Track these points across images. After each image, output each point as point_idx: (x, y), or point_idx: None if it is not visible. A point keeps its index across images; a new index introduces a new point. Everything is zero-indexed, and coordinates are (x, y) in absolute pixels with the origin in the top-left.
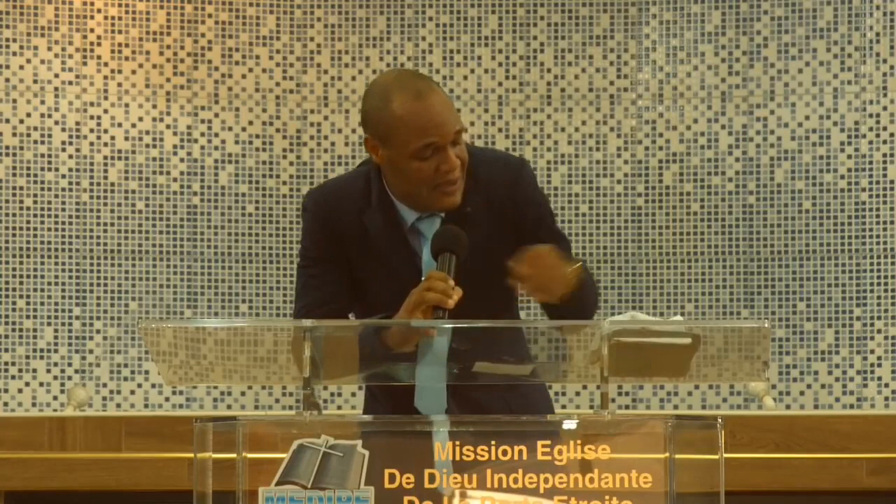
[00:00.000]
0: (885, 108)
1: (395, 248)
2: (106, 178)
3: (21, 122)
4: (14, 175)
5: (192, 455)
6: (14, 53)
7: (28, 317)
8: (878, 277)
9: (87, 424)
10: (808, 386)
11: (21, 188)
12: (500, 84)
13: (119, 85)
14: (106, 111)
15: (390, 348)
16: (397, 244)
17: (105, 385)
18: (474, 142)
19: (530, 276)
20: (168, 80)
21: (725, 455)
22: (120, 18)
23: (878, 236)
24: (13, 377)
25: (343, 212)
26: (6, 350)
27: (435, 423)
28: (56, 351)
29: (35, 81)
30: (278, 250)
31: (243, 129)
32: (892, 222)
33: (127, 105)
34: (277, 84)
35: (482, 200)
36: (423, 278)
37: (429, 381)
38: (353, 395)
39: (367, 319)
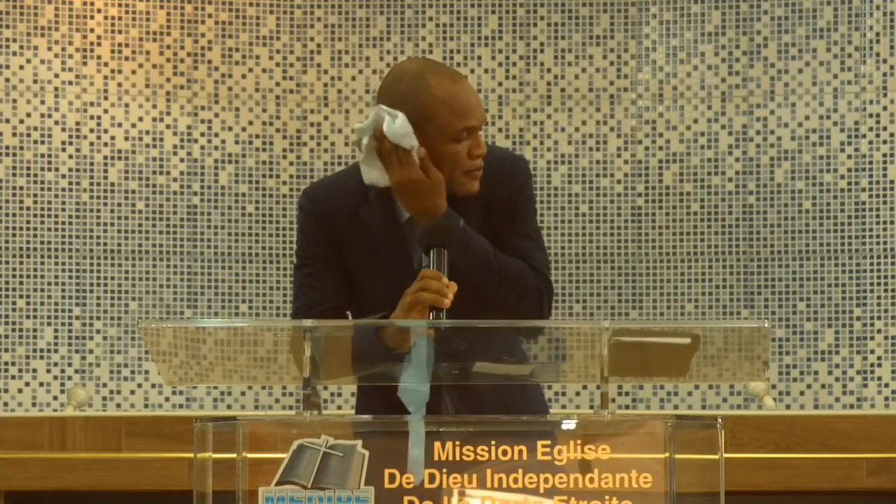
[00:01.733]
0: (885, 108)
1: (392, 242)
2: (106, 178)
3: (21, 122)
4: (14, 175)
5: (192, 455)
6: (14, 53)
7: (28, 317)
8: (878, 277)
9: (87, 424)
10: (808, 386)
11: (21, 188)
12: (500, 84)
13: (119, 85)
14: (106, 111)
15: (389, 348)
16: (394, 238)
17: (105, 385)
18: None
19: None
20: (168, 80)
21: (725, 455)
22: (120, 18)
23: (878, 236)
24: (13, 377)
25: (338, 208)
26: (6, 350)
27: (436, 424)
28: (56, 351)
29: (35, 81)
30: (278, 250)
31: (243, 129)
32: (892, 222)
33: (127, 105)
34: (277, 84)
35: (478, 193)
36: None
37: (411, 381)
38: (353, 395)
39: (365, 319)
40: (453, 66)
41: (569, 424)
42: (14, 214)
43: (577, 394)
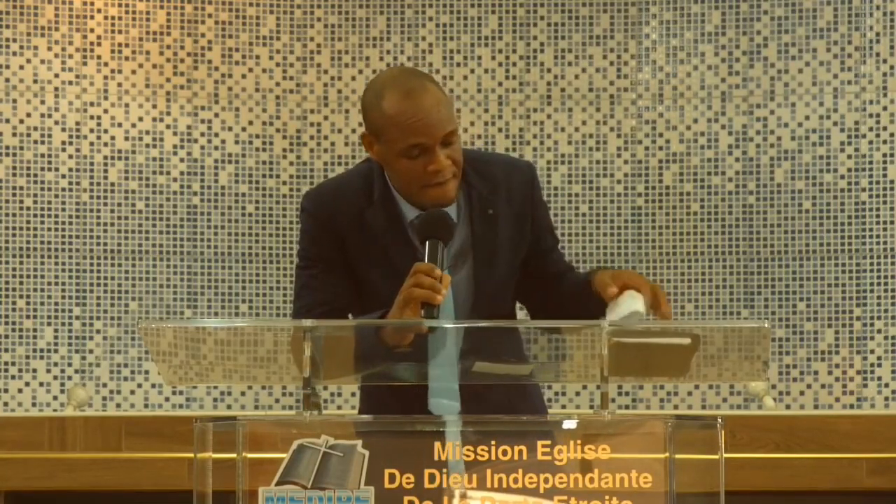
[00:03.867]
0: (885, 108)
1: (396, 245)
2: (106, 178)
3: (21, 122)
4: (14, 175)
5: (192, 455)
6: (14, 53)
7: (28, 317)
8: (878, 277)
9: (87, 424)
10: (808, 386)
11: (21, 188)
12: (500, 84)
13: (119, 85)
14: (106, 111)
15: (388, 346)
16: (398, 241)
17: (105, 385)
18: (474, 142)
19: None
20: (168, 80)
21: (725, 455)
22: (120, 18)
23: (878, 236)
24: (13, 377)
25: (342, 211)
26: (6, 350)
27: (437, 424)
28: (56, 351)
29: (35, 81)
30: (278, 250)
31: (243, 129)
32: (892, 222)
33: (127, 105)
34: (277, 84)
35: (504, 202)
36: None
37: (442, 381)
38: (353, 394)
39: (365, 319)
40: (453, 66)
41: (569, 424)
42: (14, 214)
43: (577, 394)
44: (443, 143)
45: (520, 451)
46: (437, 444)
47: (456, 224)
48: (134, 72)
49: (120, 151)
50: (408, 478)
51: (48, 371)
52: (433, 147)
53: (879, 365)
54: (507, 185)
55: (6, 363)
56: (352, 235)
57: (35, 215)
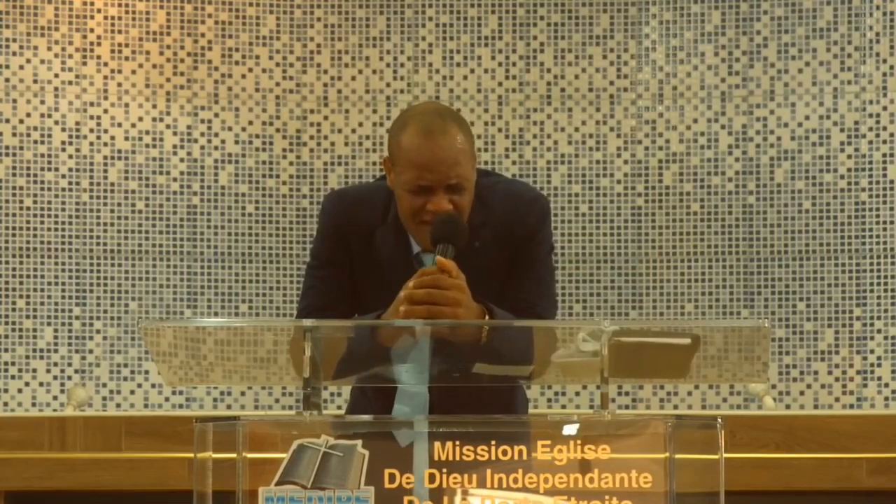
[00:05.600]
0: (885, 108)
1: (399, 269)
2: (106, 178)
3: (21, 122)
4: (14, 175)
5: (192, 455)
6: (14, 53)
7: (28, 317)
8: (878, 277)
9: (87, 424)
10: (808, 386)
11: (21, 188)
12: (500, 84)
13: (119, 85)
14: (106, 111)
15: (386, 346)
16: (401, 266)
17: (105, 385)
18: (474, 141)
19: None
20: (168, 80)
21: (725, 455)
22: (120, 18)
23: (878, 236)
24: (13, 377)
25: (357, 224)
26: (6, 350)
27: (426, 425)
28: (56, 351)
29: (35, 81)
30: (278, 250)
31: (243, 129)
32: (892, 222)
33: (127, 105)
34: (277, 84)
35: (491, 235)
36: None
37: (411, 384)
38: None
39: (363, 319)
40: (453, 66)
41: (569, 424)
42: (14, 214)
43: (577, 394)
44: (449, 188)
45: (520, 451)
46: (437, 444)
47: (466, 228)
48: (134, 72)
49: (120, 151)
50: (408, 478)
51: (48, 371)
52: (437, 190)
53: (879, 365)
54: (499, 218)
55: (6, 363)
56: (360, 250)
57: (35, 215)
